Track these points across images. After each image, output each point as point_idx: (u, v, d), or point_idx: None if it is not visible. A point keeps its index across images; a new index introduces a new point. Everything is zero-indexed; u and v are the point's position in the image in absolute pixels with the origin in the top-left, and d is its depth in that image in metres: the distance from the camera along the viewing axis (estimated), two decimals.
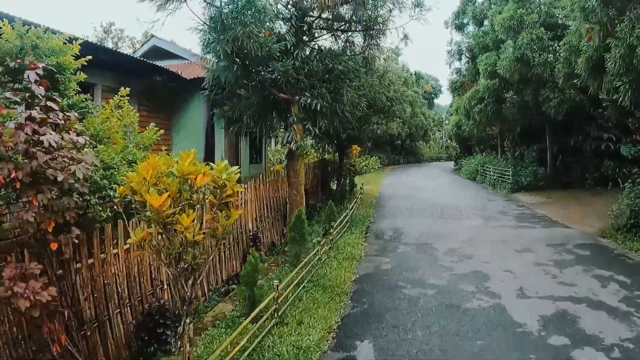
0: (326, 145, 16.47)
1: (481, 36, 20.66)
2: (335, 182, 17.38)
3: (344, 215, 11.09)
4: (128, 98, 6.69)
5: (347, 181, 17.38)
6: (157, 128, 7.14)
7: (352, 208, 12.50)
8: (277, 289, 5.44)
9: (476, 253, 8.72)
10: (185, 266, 3.87)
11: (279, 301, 5.56)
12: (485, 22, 21.99)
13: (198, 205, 3.88)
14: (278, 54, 7.68)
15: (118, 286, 5.38)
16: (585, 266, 7.91)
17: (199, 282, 4.13)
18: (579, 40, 11.49)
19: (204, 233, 3.81)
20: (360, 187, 17.61)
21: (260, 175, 10.25)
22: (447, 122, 51.56)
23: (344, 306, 6.11)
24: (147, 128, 7.16)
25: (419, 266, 7.85)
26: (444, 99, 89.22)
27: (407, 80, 46.53)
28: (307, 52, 8.92)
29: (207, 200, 3.81)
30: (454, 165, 35.16)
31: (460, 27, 23.64)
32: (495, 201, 16.16)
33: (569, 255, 8.62)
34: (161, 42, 14.48)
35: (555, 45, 15.05)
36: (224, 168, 3.65)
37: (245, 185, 9.12)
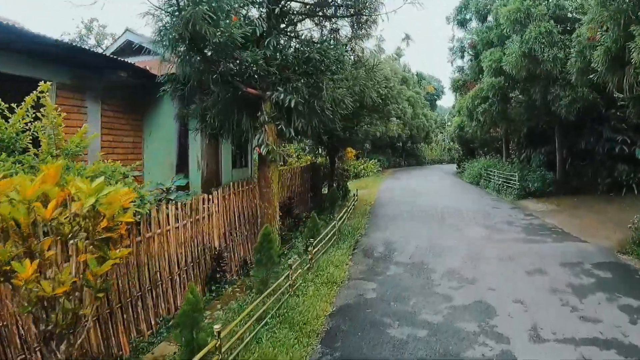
0: (319, 148, 15.28)
1: (485, 32, 19.39)
2: (327, 187, 16.19)
3: (330, 226, 9.87)
4: (50, 92, 5.50)
5: (340, 186, 16.17)
6: (84, 128, 5.94)
7: (341, 218, 11.28)
8: (219, 336, 4.22)
9: (480, 276, 7.45)
10: (49, 328, 2.65)
11: (222, 350, 4.33)
12: (489, 18, 20.73)
13: (72, 242, 2.67)
14: (242, 41, 6.47)
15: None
16: (609, 293, 6.63)
17: (79, 342, 2.92)
18: (595, 31, 10.23)
19: (73, 282, 2.59)
20: (355, 193, 16.39)
21: (232, 183, 9.07)
22: (449, 123, 50.22)
23: (311, 352, 4.87)
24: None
25: (411, 295, 6.58)
26: (447, 101, 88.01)
27: (407, 80, 45.29)
28: (283, 41, 7.72)
29: (79, 237, 2.59)
30: (457, 169, 33.86)
31: (462, 23, 22.38)
32: (501, 209, 14.86)
33: (588, 278, 7.33)
34: (135, 37, 13.29)
35: (566, 39, 13.79)
36: (95, 189, 2.42)
37: (211, 196, 7.94)
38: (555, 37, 13.97)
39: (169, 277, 6.39)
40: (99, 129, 10.43)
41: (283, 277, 6.35)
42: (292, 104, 6.96)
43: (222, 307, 6.38)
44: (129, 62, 10.72)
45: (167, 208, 6.27)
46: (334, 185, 14.40)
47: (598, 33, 10.27)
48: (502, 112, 15.91)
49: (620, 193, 15.72)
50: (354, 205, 15.05)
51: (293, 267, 6.54)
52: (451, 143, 48.40)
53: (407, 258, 8.57)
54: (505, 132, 20.44)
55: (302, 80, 7.19)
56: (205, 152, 13.16)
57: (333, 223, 10.23)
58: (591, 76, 10.26)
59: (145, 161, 12.61)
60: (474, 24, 21.74)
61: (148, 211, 5.56)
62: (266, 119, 7.58)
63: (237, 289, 7.19)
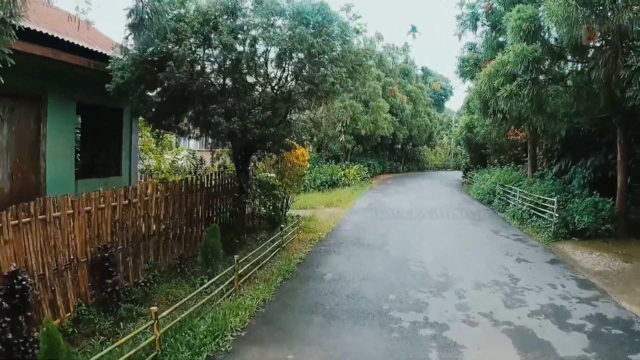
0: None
1: None
2: (272, 209, 10.15)
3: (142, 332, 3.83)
4: None
5: (272, 209, 10.10)
6: None
7: (194, 301, 5.21)
8: None
9: None
10: None
11: None
12: None
13: None
14: None
15: None
16: None
17: None
18: None
19: None
20: (297, 221, 10.31)
21: None
22: (456, 124, 43.78)
23: None
24: None
25: None
26: (456, 103, 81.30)
27: (409, 72, 39.03)
28: None
29: None
30: (463, 177, 27.57)
31: None
32: (533, 265, 8.65)
33: None
34: None
35: None
36: None
37: None
38: None
39: None
40: None
41: None
42: None
43: None
44: None
45: None
46: (236, 208, 8.32)
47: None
48: (537, 100, 9.67)
49: None
50: (281, 246, 8.94)
51: None
52: (458, 147, 41.96)
53: None
54: (533, 133, 14.14)
55: None
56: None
57: (153, 322, 4.17)
58: None
59: None
60: None
61: None
62: None
63: None
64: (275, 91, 7.33)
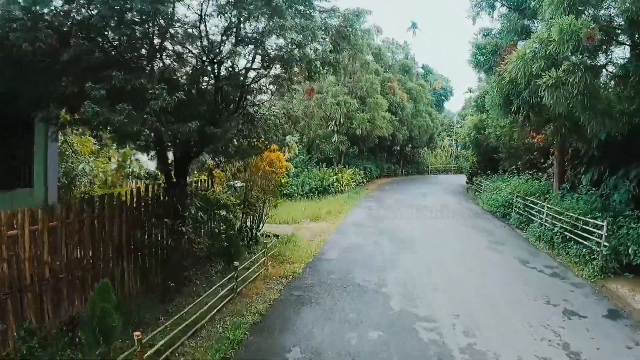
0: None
1: None
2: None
3: None
4: None
5: (220, 237, 7.55)
6: None
7: None
8: None
9: None
10: None
11: None
12: None
13: None
14: None
15: None
16: None
17: None
18: None
19: None
20: (264, 246, 7.79)
21: None
22: (458, 125, 41.33)
23: None
24: None
25: None
26: (456, 104, 78.84)
27: (410, 69, 36.54)
28: None
29: None
30: (467, 183, 25.08)
31: None
32: (588, 323, 6.16)
33: None
34: None
35: None
36: None
37: None
38: None
39: None
40: None
41: None
42: None
43: None
44: None
45: None
46: (168, 240, 5.79)
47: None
48: (589, 91, 7.13)
49: None
50: (235, 291, 6.41)
51: None
52: (461, 150, 39.48)
53: None
54: (565, 135, 11.54)
55: None
56: None
57: None
58: None
59: None
60: None
61: None
62: None
63: None
64: (215, 63, 4.81)
